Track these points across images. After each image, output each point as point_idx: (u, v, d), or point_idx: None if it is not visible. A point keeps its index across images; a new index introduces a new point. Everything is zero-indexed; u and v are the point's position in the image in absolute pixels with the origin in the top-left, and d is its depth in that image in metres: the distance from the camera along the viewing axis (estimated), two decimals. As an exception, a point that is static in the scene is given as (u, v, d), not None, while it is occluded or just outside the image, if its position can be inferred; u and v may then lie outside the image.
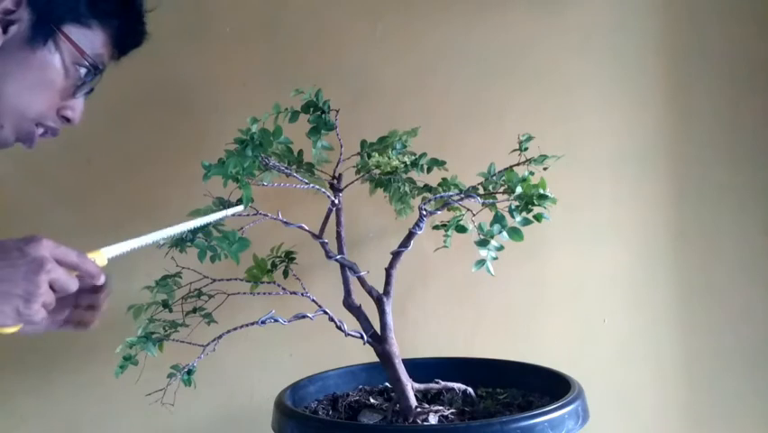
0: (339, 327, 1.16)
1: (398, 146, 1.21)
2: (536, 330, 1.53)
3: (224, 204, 1.09)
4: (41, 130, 0.85)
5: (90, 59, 0.82)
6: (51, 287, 0.73)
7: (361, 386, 1.32)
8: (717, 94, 1.50)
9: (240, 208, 1.05)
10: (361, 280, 1.17)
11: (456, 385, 1.20)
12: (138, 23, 0.89)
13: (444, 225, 1.10)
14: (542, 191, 1.04)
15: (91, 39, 0.83)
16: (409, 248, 1.16)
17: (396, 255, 1.16)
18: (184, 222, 0.99)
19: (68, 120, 0.85)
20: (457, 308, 1.53)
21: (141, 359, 1.11)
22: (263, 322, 1.13)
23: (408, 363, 1.18)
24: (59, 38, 0.80)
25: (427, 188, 1.21)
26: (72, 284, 0.75)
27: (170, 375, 1.11)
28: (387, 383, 1.30)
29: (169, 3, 1.53)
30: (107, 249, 0.82)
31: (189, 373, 1.12)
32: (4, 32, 0.77)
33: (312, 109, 1.16)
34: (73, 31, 0.81)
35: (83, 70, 0.83)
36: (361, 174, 1.22)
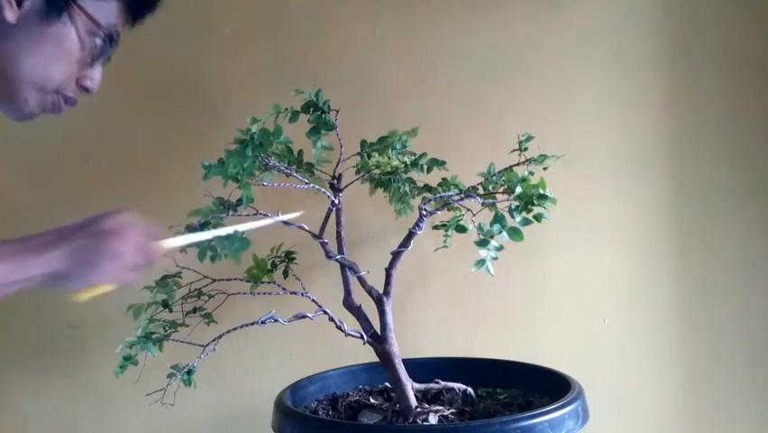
0: (339, 327, 1.16)
1: (398, 146, 1.21)
2: (536, 330, 1.53)
3: (223, 204, 1.09)
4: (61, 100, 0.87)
5: (105, 29, 0.83)
6: (134, 252, 0.82)
7: (361, 386, 1.32)
8: (717, 94, 1.50)
9: (297, 215, 1.05)
10: (361, 281, 1.17)
11: (456, 385, 1.20)
12: None
13: (444, 225, 1.10)
14: (542, 191, 1.04)
15: (105, 9, 0.83)
16: (409, 248, 1.16)
17: (396, 255, 1.16)
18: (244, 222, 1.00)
19: (86, 90, 0.87)
20: (457, 308, 1.53)
21: (141, 359, 1.11)
22: (263, 322, 1.13)
23: (408, 363, 1.18)
24: (73, 10, 0.80)
25: (427, 188, 1.21)
26: (151, 253, 0.84)
27: (170, 375, 1.11)
28: (387, 383, 1.30)
29: (169, 3, 1.53)
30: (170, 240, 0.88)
31: (189, 373, 1.12)
32: (19, 6, 0.77)
33: (312, 109, 1.16)
34: (87, 2, 0.81)
35: (98, 41, 0.84)
36: (361, 174, 1.22)
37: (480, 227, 1.05)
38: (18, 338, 1.51)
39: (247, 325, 1.13)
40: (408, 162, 1.17)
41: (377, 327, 1.17)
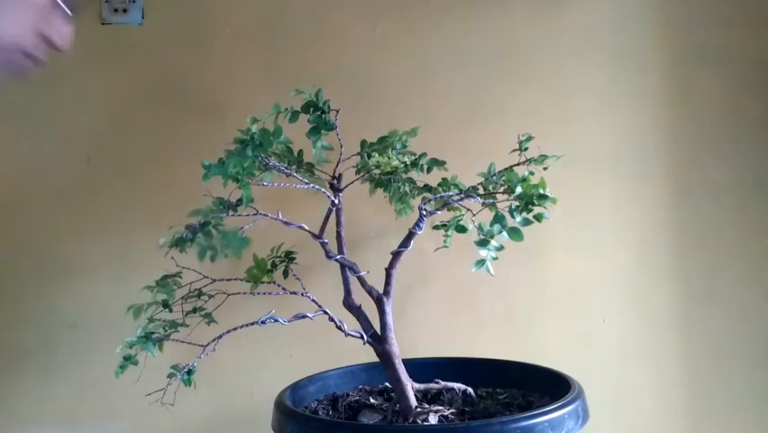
0: (339, 327, 1.16)
1: (398, 146, 1.21)
2: (536, 330, 1.53)
3: (223, 204, 1.09)
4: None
5: None
6: None
7: (361, 386, 1.32)
8: (717, 94, 1.50)
9: None
10: (361, 281, 1.17)
11: (456, 385, 1.20)
12: None
13: (444, 225, 1.10)
14: (542, 191, 1.03)
15: None
16: (409, 248, 1.15)
17: (396, 255, 1.16)
18: None
19: (55, 47, 0.78)
20: (457, 308, 1.53)
21: (141, 359, 1.11)
22: (263, 322, 1.13)
23: (408, 363, 1.17)
24: None
25: (427, 188, 1.21)
26: None
27: (170, 375, 1.10)
28: (387, 383, 1.30)
29: (169, 3, 1.54)
30: None
31: (189, 373, 1.12)
32: None
33: (312, 109, 1.16)
34: None
35: None
36: (361, 174, 1.22)
37: (480, 227, 1.05)
38: (18, 338, 1.51)
39: (247, 325, 1.13)
40: (408, 162, 1.16)
41: (377, 327, 1.17)
